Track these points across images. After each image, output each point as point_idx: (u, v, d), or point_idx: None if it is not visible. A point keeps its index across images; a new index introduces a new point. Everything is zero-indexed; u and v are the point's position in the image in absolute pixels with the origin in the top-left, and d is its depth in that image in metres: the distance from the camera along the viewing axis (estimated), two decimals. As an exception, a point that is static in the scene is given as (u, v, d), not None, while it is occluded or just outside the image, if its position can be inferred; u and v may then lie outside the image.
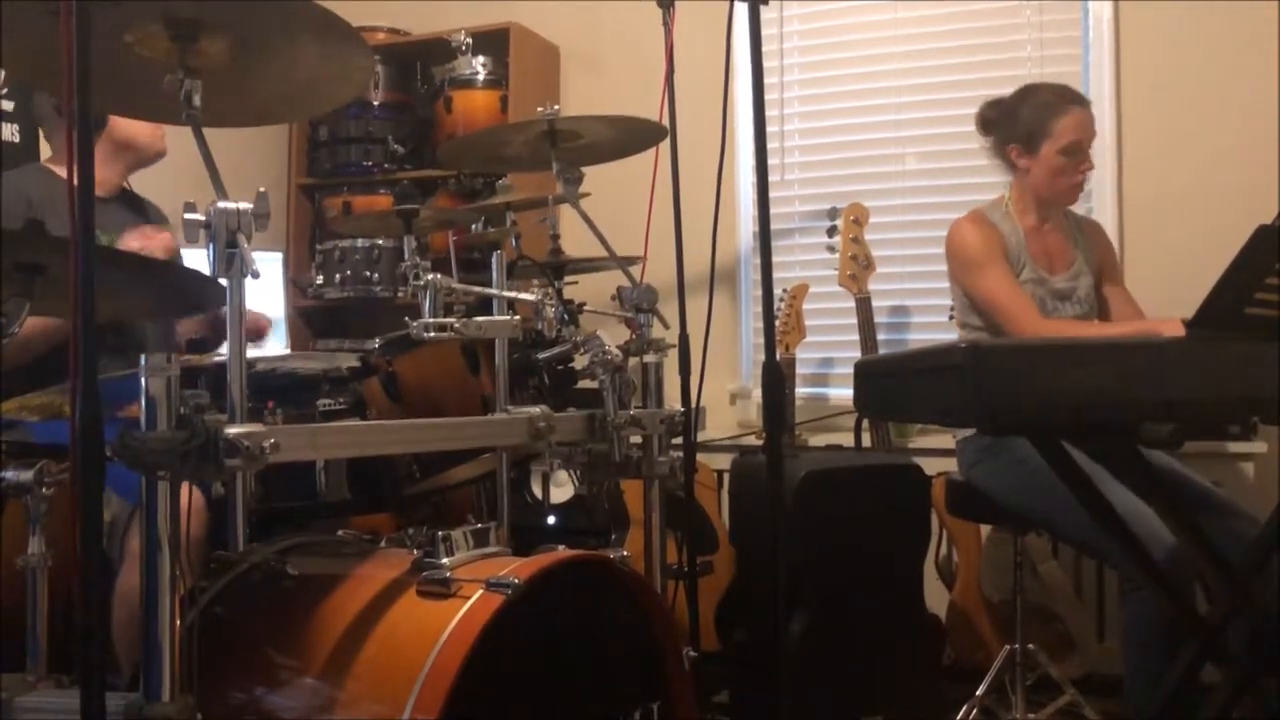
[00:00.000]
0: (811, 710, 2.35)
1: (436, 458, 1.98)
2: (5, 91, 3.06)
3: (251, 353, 1.57)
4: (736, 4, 1.66)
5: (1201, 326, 1.39)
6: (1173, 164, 3.17)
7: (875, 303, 3.10)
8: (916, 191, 3.46)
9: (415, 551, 1.58)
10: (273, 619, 1.59)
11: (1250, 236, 1.36)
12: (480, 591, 1.45)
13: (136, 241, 2.32)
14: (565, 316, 2.06)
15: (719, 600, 2.85)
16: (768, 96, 1.65)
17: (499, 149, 2.36)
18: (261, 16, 1.50)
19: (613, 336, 1.99)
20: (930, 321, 3.36)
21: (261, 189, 1.39)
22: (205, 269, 1.40)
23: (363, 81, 1.90)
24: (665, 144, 2.42)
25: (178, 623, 1.28)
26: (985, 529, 2.91)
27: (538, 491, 2.76)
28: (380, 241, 3.60)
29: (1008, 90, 2.66)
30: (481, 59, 3.73)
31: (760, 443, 3.14)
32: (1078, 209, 2.73)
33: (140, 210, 2.60)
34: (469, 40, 3.71)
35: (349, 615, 1.50)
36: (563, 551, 1.65)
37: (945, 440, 3.03)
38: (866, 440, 3.05)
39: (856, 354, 3.03)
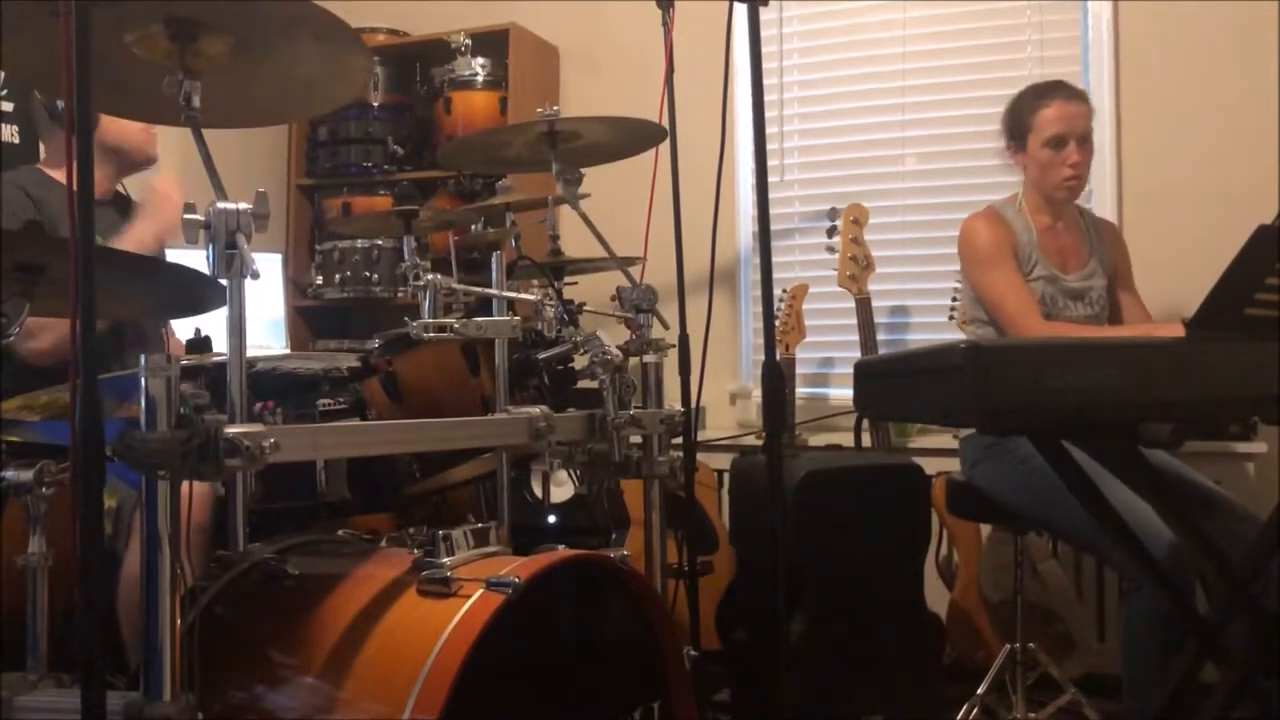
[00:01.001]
0: (811, 710, 2.35)
1: (436, 458, 1.98)
2: (5, 92, 3.05)
3: (251, 352, 1.57)
4: (736, 4, 1.66)
5: (1201, 326, 1.39)
6: (1172, 164, 3.17)
7: (875, 303, 3.10)
8: (916, 192, 3.46)
9: (415, 551, 1.59)
10: (273, 619, 1.59)
11: (1250, 236, 1.36)
12: (481, 591, 1.45)
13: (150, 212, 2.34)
14: (565, 317, 2.06)
15: (719, 600, 2.85)
16: (767, 97, 1.66)
17: (499, 150, 2.36)
18: (261, 17, 1.51)
19: (613, 336, 1.99)
20: (930, 321, 3.36)
21: (261, 189, 1.39)
22: (205, 269, 1.41)
23: (362, 82, 1.90)
24: (665, 144, 2.42)
25: (178, 622, 1.28)
26: (985, 529, 2.91)
27: (538, 491, 2.75)
28: (380, 242, 3.60)
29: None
30: (481, 60, 3.73)
31: (760, 443, 3.14)
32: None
33: (132, 213, 2.60)
34: (468, 41, 3.71)
35: (349, 615, 1.51)
36: (563, 551, 1.65)
37: (945, 440, 3.04)
38: (866, 440, 3.05)
39: (856, 354, 3.03)
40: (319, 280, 3.68)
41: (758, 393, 3.36)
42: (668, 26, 2.55)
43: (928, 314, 3.38)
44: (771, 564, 1.68)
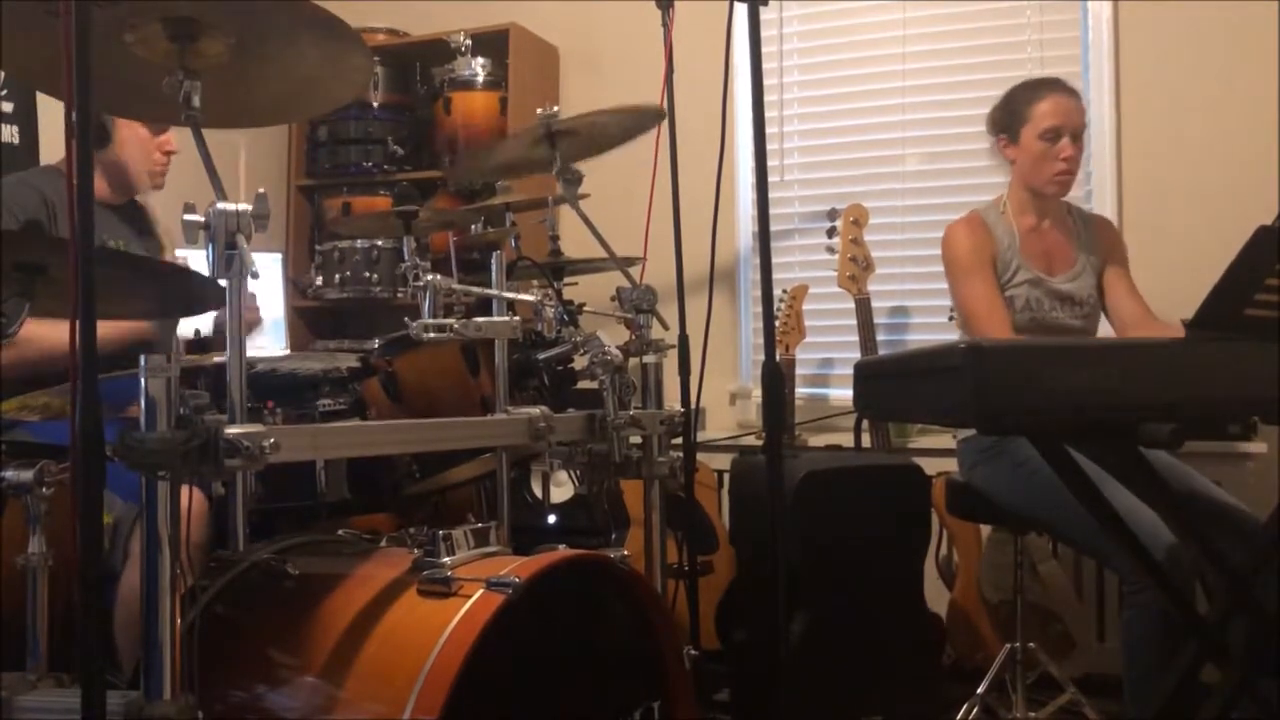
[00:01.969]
0: (811, 710, 2.35)
1: (436, 458, 1.98)
2: (5, 93, 3.05)
3: (251, 352, 1.57)
4: (736, 4, 1.66)
5: (1201, 326, 1.39)
6: (1172, 164, 3.17)
7: (875, 303, 3.10)
8: (916, 193, 3.46)
9: (416, 551, 1.59)
10: (273, 618, 1.59)
11: (1250, 236, 1.36)
12: (481, 591, 1.45)
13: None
14: (565, 317, 2.07)
15: (719, 600, 2.85)
16: (767, 97, 1.66)
17: (501, 159, 2.36)
18: (261, 17, 1.50)
19: (612, 337, 1.99)
20: (930, 322, 3.36)
21: (261, 190, 1.39)
22: (205, 270, 1.41)
23: (362, 82, 1.90)
24: (665, 145, 2.42)
25: (178, 622, 1.28)
26: (985, 529, 2.91)
27: (538, 491, 2.76)
28: (380, 242, 3.59)
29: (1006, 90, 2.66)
30: (481, 60, 3.73)
31: (760, 443, 3.14)
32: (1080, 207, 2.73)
33: (144, 220, 2.60)
34: (468, 41, 3.71)
35: (349, 614, 1.51)
36: (563, 551, 1.65)
37: (945, 440, 3.03)
38: (866, 440, 3.05)
39: (856, 354, 3.03)
40: (319, 280, 3.68)
41: (758, 393, 3.37)
42: (667, 26, 2.55)
43: (928, 314, 3.38)
44: (771, 564, 1.68)
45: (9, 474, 1.50)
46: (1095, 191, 3.22)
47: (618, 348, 1.96)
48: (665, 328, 2.18)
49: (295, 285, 3.76)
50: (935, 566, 2.96)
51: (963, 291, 2.49)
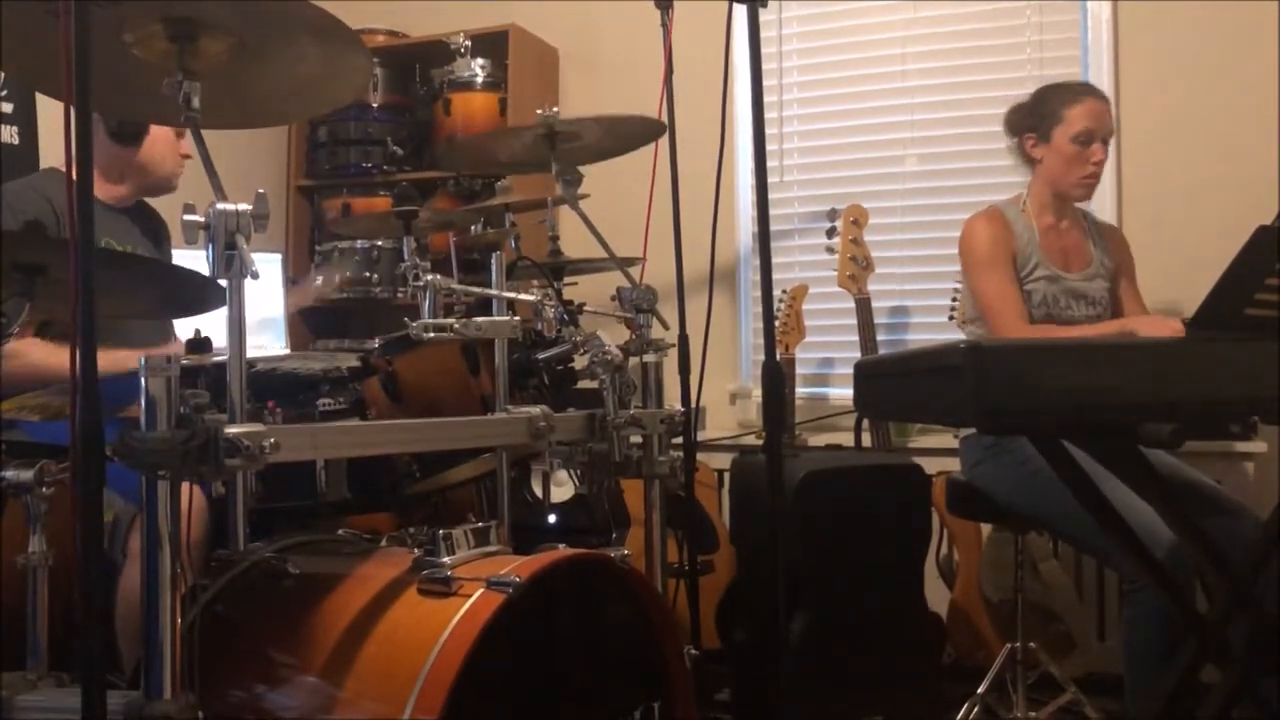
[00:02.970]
0: (811, 710, 2.34)
1: (436, 458, 1.98)
2: (5, 93, 3.05)
3: (251, 351, 1.57)
4: (736, 4, 1.66)
5: (1201, 326, 1.39)
6: (1171, 164, 3.17)
7: (875, 303, 3.10)
8: (916, 193, 3.46)
9: (416, 550, 1.59)
10: (273, 618, 1.59)
11: (1250, 237, 1.36)
12: (481, 590, 1.45)
13: None
14: (565, 317, 2.07)
15: (719, 600, 2.85)
16: (767, 98, 1.66)
17: (497, 153, 2.36)
18: (261, 17, 1.51)
19: (612, 336, 1.99)
20: (930, 322, 3.36)
21: (261, 190, 1.39)
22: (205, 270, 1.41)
23: (361, 83, 1.90)
24: (665, 145, 2.42)
25: (178, 621, 1.28)
26: (985, 529, 2.91)
27: (538, 491, 2.75)
28: (380, 242, 3.60)
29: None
30: (480, 61, 3.73)
31: (760, 443, 3.14)
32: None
33: (151, 222, 2.61)
34: (468, 42, 3.70)
35: (350, 614, 1.51)
36: (563, 551, 1.65)
37: (945, 440, 3.04)
38: (866, 440, 3.05)
39: (856, 354, 3.03)
40: (319, 281, 3.68)
41: (758, 393, 3.37)
42: (667, 27, 2.55)
43: (928, 314, 3.38)
44: (771, 564, 1.68)
45: (9, 474, 1.50)
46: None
47: (618, 347, 1.96)
48: (665, 327, 2.18)
49: (295, 285, 3.76)
50: (935, 566, 2.96)
51: (980, 285, 2.50)
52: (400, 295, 3.59)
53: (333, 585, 1.59)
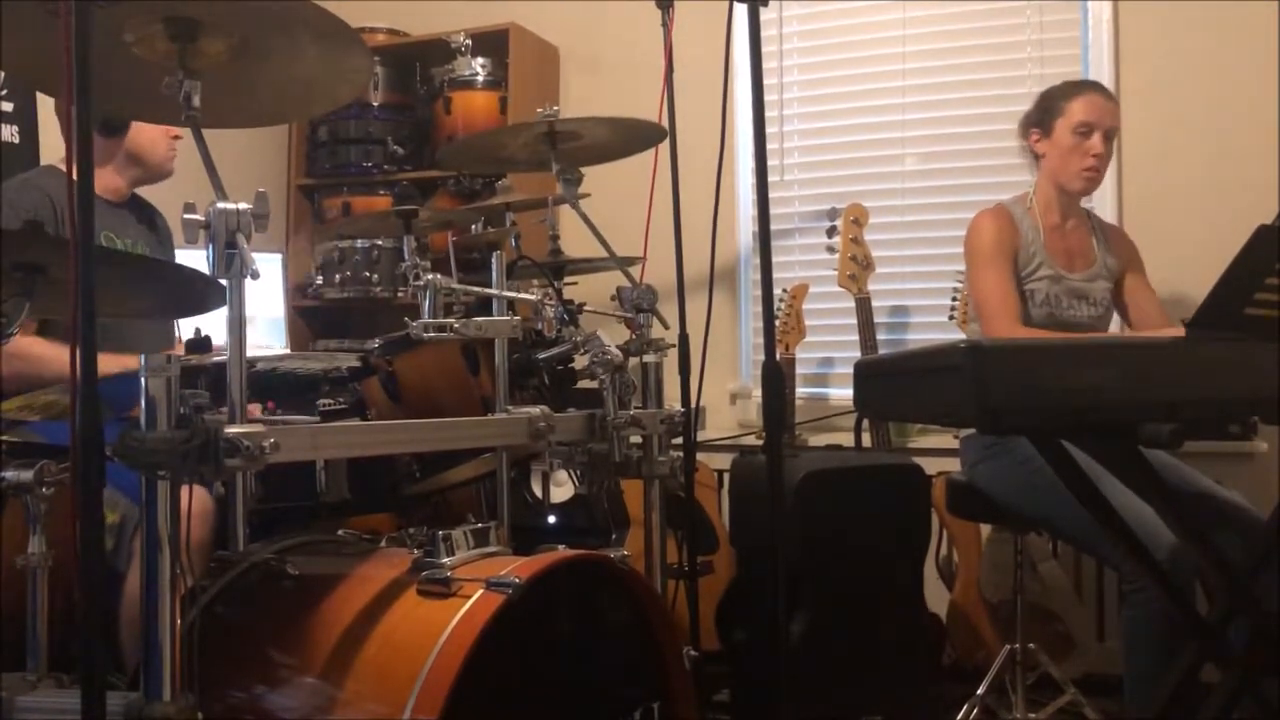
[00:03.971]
0: (811, 710, 2.35)
1: (436, 458, 1.98)
2: (5, 92, 3.05)
3: (252, 351, 1.57)
4: (736, 4, 1.66)
5: (1201, 326, 1.39)
6: (1172, 164, 3.17)
7: (875, 303, 3.10)
8: (916, 192, 3.46)
9: (415, 551, 1.59)
10: (273, 619, 1.59)
11: (1250, 237, 1.36)
12: (481, 591, 1.45)
13: None
14: (565, 316, 2.06)
15: (719, 600, 2.85)
16: (767, 97, 1.66)
17: (498, 151, 2.36)
18: (261, 17, 1.50)
19: (613, 336, 1.99)
20: (930, 321, 3.36)
21: (261, 189, 1.39)
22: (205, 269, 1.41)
23: (362, 82, 1.90)
24: (665, 144, 2.42)
25: (178, 622, 1.28)
26: (985, 529, 2.91)
27: (538, 491, 2.75)
28: (380, 242, 3.60)
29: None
30: (481, 60, 3.73)
31: (760, 443, 3.14)
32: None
33: (150, 217, 2.61)
34: (468, 41, 3.70)
35: (349, 615, 1.51)
36: (563, 551, 1.65)
37: (945, 440, 3.03)
38: (866, 440, 3.05)
39: (856, 354, 3.03)
40: (319, 280, 3.68)
41: (758, 393, 3.37)
42: (667, 26, 2.55)
43: (928, 314, 3.38)
44: (771, 564, 1.68)
45: (9, 474, 1.50)
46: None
47: (618, 347, 1.95)
48: (665, 327, 2.18)
49: (295, 285, 3.76)
50: (935, 566, 2.96)
51: (978, 280, 2.51)
52: (400, 295, 3.59)
53: (332, 586, 1.59)
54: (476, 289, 1.90)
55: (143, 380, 1.26)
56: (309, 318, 3.92)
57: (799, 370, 3.24)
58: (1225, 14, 3.08)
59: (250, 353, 1.46)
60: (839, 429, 3.32)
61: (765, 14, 1.64)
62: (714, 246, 2.27)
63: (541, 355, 2.03)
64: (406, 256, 1.81)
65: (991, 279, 2.47)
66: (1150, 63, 3.20)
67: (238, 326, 1.39)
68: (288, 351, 3.19)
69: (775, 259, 1.72)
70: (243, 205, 1.37)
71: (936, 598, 2.80)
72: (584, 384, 2.06)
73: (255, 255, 1.37)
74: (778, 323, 3.16)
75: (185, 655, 1.28)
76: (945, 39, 3.43)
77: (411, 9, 4.00)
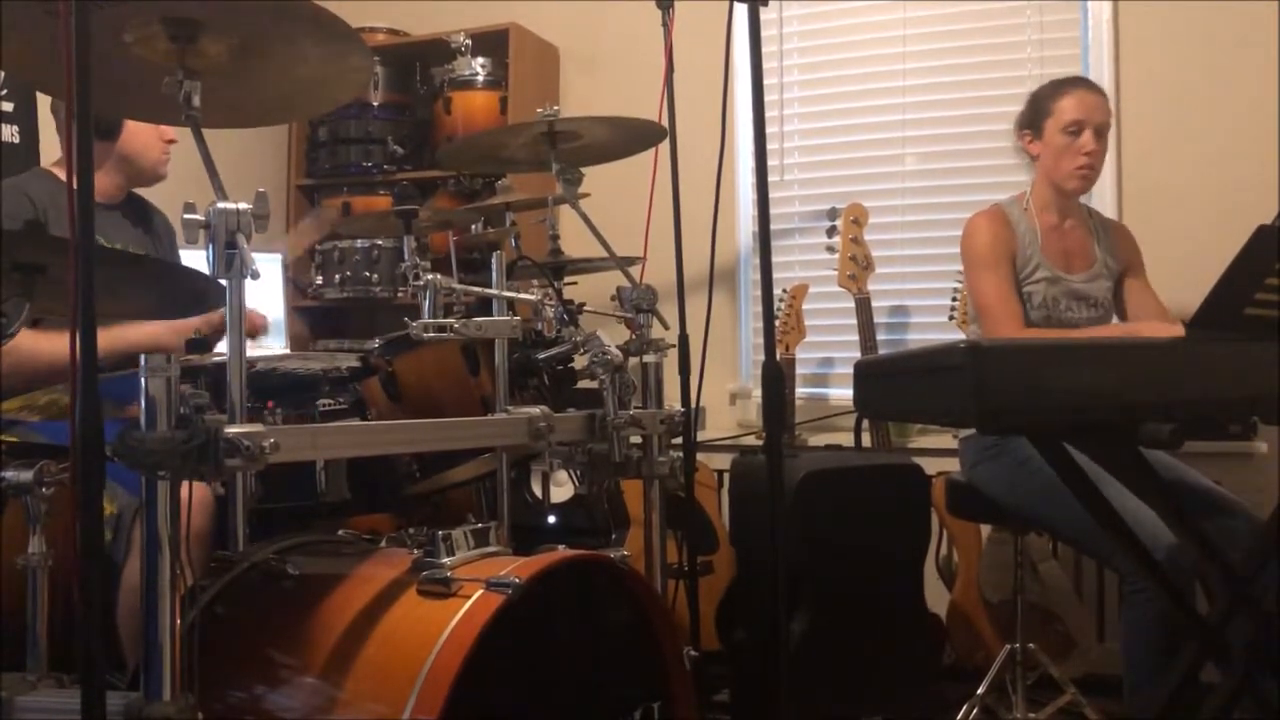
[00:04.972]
0: (811, 710, 2.35)
1: (436, 458, 1.98)
2: (5, 93, 3.05)
3: (251, 352, 1.57)
4: (736, 4, 1.66)
5: (1201, 326, 1.39)
6: (1172, 164, 3.17)
7: (875, 303, 3.11)
8: (916, 192, 3.46)
9: (415, 551, 1.59)
10: (273, 619, 1.59)
11: (1250, 237, 1.36)
12: (481, 591, 1.45)
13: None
14: (565, 316, 2.06)
15: (719, 600, 2.85)
16: (767, 97, 1.65)
17: (498, 150, 2.36)
18: (261, 17, 1.50)
19: (613, 336, 1.99)
20: (930, 321, 3.36)
21: (261, 189, 1.39)
22: (205, 269, 1.41)
23: (362, 82, 1.90)
24: (665, 144, 2.42)
25: (178, 622, 1.28)
26: (985, 529, 2.91)
27: (538, 491, 2.75)
28: (380, 242, 3.60)
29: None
30: (481, 60, 3.73)
31: (760, 443, 3.14)
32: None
33: (146, 218, 2.60)
34: (468, 41, 3.71)
35: (349, 615, 1.51)
36: (563, 551, 1.65)
37: (945, 440, 3.03)
38: (866, 440, 3.05)
39: (856, 354, 3.03)
40: (319, 280, 3.68)
41: (758, 393, 3.36)
42: (668, 26, 2.55)
43: (928, 314, 3.38)
44: (771, 564, 1.68)
45: (9, 474, 1.50)
46: (1095, 191, 3.21)
47: (618, 347, 1.95)
48: (665, 327, 2.18)
49: (295, 285, 3.76)
50: (935, 566, 2.96)
51: (977, 284, 2.50)
52: (400, 295, 3.59)
53: (332, 586, 1.59)
54: (476, 289, 1.90)
55: (142, 380, 1.26)
56: (309, 318, 3.92)
57: (799, 370, 3.24)
58: (1225, 14, 3.08)
59: (250, 353, 1.46)
60: (839, 429, 3.32)
61: (765, 14, 1.64)
62: (714, 246, 2.27)
63: (541, 355, 2.03)
64: (406, 256, 1.81)
65: (991, 282, 2.47)
66: (1150, 62, 3.20)
67: (238, 326, 1.39)
68: (288, 352, 3.19)
69: (775, 259, 1.72)
70: (243, 205, 1.37)
71: (936, 598, 2.80)
72: (584, 384, 2.06)
73: (255, 255, 1.37)
74: (778, 323, 3.16)
75: (185, 655, 1.28)
76: (945, 39, 3.43)
77: (411, 9, 4.00)
